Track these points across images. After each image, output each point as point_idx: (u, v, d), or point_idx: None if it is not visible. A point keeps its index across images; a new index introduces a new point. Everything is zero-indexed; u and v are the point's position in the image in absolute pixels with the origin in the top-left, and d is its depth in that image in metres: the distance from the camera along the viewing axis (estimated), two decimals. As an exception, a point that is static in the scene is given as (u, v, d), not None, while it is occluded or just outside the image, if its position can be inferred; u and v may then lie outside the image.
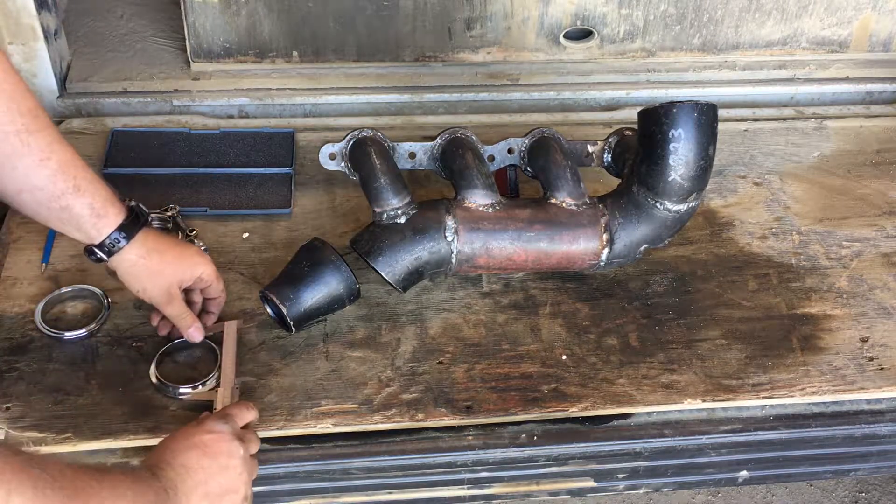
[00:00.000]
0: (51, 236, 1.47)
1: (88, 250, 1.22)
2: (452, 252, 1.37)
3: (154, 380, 1.28)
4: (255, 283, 1.44)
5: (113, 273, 1.27)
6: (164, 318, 1.32)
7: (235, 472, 1.09)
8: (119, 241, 1.21)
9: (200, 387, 1.27)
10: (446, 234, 1.37)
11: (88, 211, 1.18)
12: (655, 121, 1.34)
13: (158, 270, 1.25)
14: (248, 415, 1.20)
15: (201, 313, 1.35)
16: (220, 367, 1.28)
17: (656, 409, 1.32)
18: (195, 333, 1.31)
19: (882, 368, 1.38)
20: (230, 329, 1.33)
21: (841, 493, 2.21)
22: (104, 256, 1.22)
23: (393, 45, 1.86)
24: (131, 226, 1.22)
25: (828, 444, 1.35)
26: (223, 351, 1.30)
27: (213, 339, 1.33)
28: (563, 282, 1.48)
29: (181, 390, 1.26)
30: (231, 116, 1.84)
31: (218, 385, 1.26)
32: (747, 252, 1.57)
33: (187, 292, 1.32)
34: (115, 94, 1.83)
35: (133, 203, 1.25)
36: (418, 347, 1.37)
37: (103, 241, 1.21)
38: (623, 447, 1.31)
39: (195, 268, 1.28)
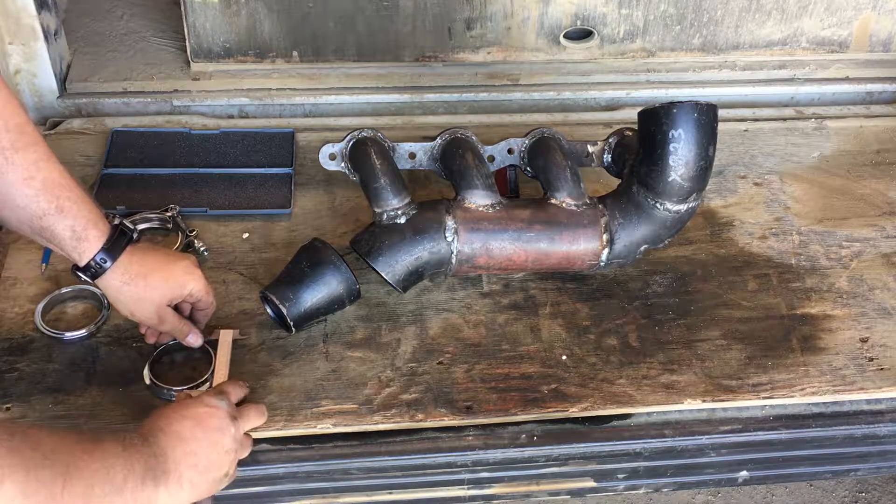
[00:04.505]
0: (51, 236, 1.47)
1: (74, 272, 1.21)
2: (452, 252, 1.37)
3: (148, 381, 1.28)
4: (255, 283, 1.44)
5: None
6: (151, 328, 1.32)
7: (223, 448, 1.09)
8: (102, 265, 1.19)
9: (193, 391, 1.26)
10: (446, 235, 1.37)
11: (70, 234, 1.16)
12: (655, 121, 1.34)
13: (145, 295, 1.23)
14: (240, 391, 1.20)
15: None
16: (213, 372, 1.28)
17: (656, 409, 1.32)
18: (194, 340, 1.30)
19: (882, 368, 1.38)
20: (226, 337, 1.32)
21: (841, 493, 2.21)
22: (89, 280, 1.21)
23: (393, 45, 1.86)
24: (114, 247, 1.19)
25: (828, 444, 1.35)
26: (217, 357, 1.29)
27: (210, 343, 1.33)
28: (563, 282, 1.48)
29: (174, 392, 1.26)
30: (231, 116, 1.84)
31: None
32: (747, 252, 1.57)
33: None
34: (115, 94, 1.83)
35: (118, 221, 1.23)
36: (418, 347, 1.37)
37: (88, 263, 1.18)
38: (623, 447, 1.31)
39: (184, 287, 1.26)
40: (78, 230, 1.17)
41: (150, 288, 1.23)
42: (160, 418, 1.07)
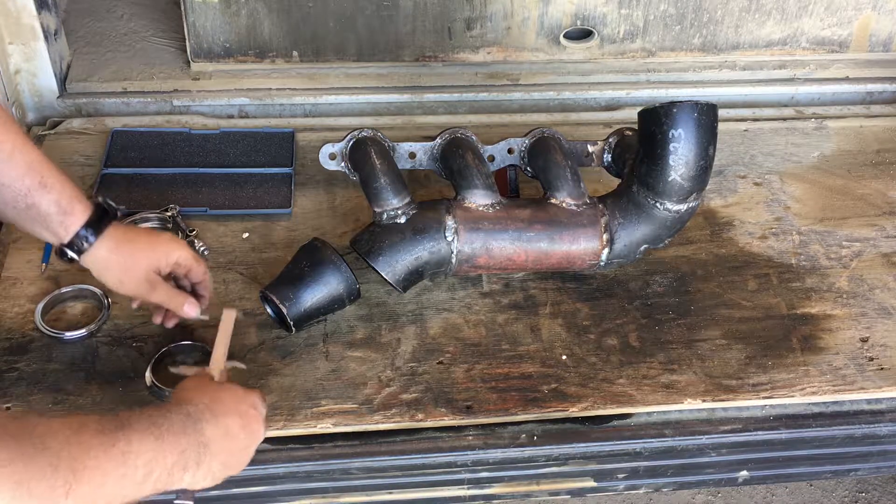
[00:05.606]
0: (51, 236, 1.47)
1: (60, 251, 1.21)
2: (452, 252, 1.37)
3: (149, 382, 1.27)
4: (255, 283, 1.44)
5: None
6: (157, 307, 1.30)
7: (248, 454, 1.07)
8: (88, 238, 1.19)
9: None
10: (446, 234, 1.37)
11: (55, 208, 1.16)
12: (655, 121, 1.34)
13: (131, 261, 1.22)
14: None
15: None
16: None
17: (656, 409, 1.32)
18: (190, 310, 1.28)
19: (882, 368, 1.38)
20: (227, 317, 1.29)
21: (841, 493, 2.21)
22: (75, 256, 1.20)
23: (393, 45, 1.86)
24: (99, 221, 1.20)
25: (828, 444, 1.35)
26: (216, 338, 1.26)
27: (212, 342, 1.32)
28: (563, 282, 1.48)
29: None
30: (231, 116, 1.84)
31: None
32: (747, 252, 1.57)
33: (174, 280, 1.30)
34: (115, 94, 1.83)
35: (101, 199, 1.23)
36: (418, 347, 1.37)
37: (72, 238, 1.18)
38: (623, 447, 1.31)
39: (170, 254, 1.25)
40: (63, 204, 1.17)
41: (138, 253, 1.23)
42: (215, 401, 1.04)
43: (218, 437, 1.01)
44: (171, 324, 1.33)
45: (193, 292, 1.32)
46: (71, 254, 1.20)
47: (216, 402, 1.04)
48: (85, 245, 1.19)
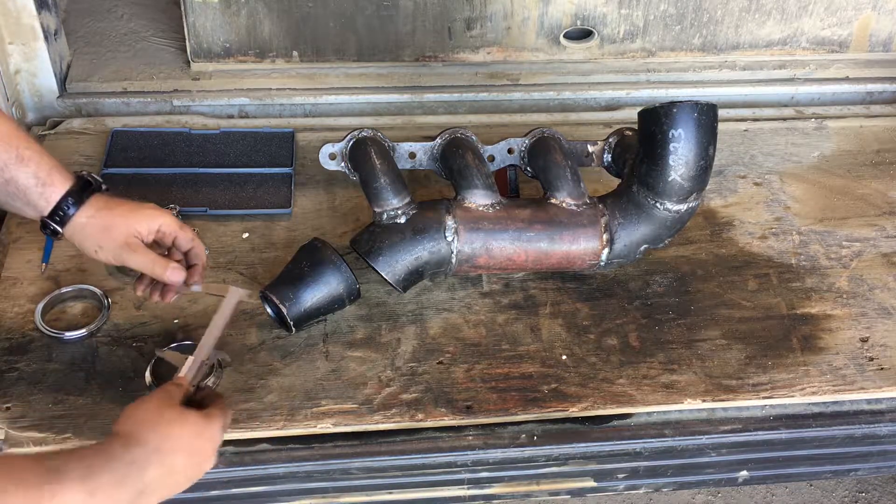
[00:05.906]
0: (51, 236, 1.46)
1: (43, 224, 1.18)
2: (452, 252, 1.37)
3: (148, 382, 1.27)
4: (255, 283, 1.44)
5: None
6: (153, 282, 1.26)
7: (186, 486, 1.02)
8: (68, 208, 1.16)
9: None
10: (446, 234, 1.37)
11: (34, 181, 1.15)
12: (655, 121, 1.34)
13: (110, 224, 1.19)
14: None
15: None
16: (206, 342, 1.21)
17: (656, 409, 1.32)
18: (173, 275, 1.21)
19: (882, 368, 1.38)
20: (231, 296, 1.25)
21: (841, 493, 2.21)
22: (58, 227, 1.18)
23: (393, 45, 1.86)
24: (80, 192, 1.18)
25: (828, 444, 1.35)
26: (212, 319, 1.22)
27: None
28: (563, 282, 1.48)
29: None
30: (231, 116, 1.84)
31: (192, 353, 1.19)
32: (747, 252, 1.57)
33: (168, 253, 1.26)
34: (115, 94, 1.83)
35: (85, 173, 1.21)
36: (418, 347, 1.37)
37: (53, 210, 1.16)
38: (623, 447, 1.31)
39: (152, 220, 1.21)
40: (42, 176, 1.15)
41: (117, 216, 1.19)
42: (167, 441, 0.98)
43: (159, 477, 0.96)
44: (168, 298, 1.27)
45: (187, 266, 1.27)
46: (54, 226, 1.18)
47: (167, 440, 0.98)
48: (67, 215, 1.17)
